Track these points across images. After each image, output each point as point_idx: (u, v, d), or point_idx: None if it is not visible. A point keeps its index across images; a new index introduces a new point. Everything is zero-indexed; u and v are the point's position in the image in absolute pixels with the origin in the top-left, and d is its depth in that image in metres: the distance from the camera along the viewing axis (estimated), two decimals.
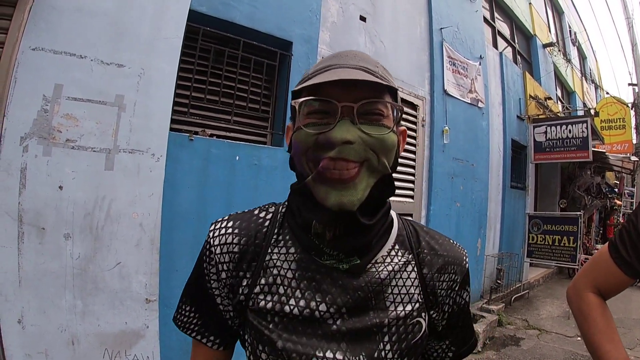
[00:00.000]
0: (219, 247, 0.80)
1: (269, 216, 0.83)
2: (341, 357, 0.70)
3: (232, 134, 3.56)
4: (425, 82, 5.74)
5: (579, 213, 7.88)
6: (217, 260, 0.80)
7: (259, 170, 3.48)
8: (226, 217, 0.85)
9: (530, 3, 10.71)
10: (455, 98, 6.19)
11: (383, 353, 0.72)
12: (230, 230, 0.81)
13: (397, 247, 0.81)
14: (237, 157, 3.35)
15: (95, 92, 2.59)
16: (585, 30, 19.64)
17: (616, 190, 15.19)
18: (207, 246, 0.83)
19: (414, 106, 5.43)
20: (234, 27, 3.48)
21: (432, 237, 0.86)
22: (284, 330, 0.72)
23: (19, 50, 2.36)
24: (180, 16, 3.03)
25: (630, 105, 14.79)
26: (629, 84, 17.01)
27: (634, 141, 14.59)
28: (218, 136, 3.45)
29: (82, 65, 2.56)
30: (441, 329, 0.85)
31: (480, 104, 6.81)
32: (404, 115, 4.79)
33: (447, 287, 0.83)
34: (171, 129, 2.95)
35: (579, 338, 5.60)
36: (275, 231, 0.80)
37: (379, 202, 0.76)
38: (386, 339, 0.73)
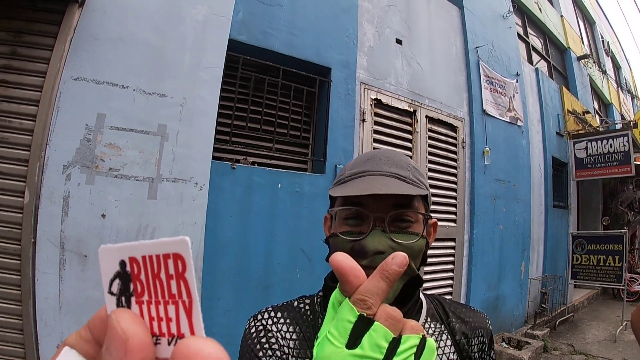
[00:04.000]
0: (278, 333, 0.81)
1: (307, 307, 0.87)
2: None
3: (273, 162, 3.55)
4: (463, 103, 5.63)
5: (623, 231, 7.51)
6: (281, 344, 0.79)
7: (300, 198, 3.46)
8: (270, 308, 0.86)
9: (562, 15, 10.52)
10: (495, 117, 6.04)
11: None
12: (282, 320, 0.83)
13: (429, 319, 0.87)
14: (279, 185, 3.33)
15: (137, 122, 2.63)
16: (617, 39, 19.17)
17: None
18: (262, 333, 0.81)
19: (453, 128, 5.32)
20: (273, 55, 3.51)
21: (456, 307, 0.94)
22: None
23: (60, 79, 2.41)
24: (220, 45, 3.08)
25: None
26: None
27: None
28: (259, 164, 3.45)
29: (124, 95, 2.60)
30: None
31: (519, 122, 6.62)
32: (444, 138, 4.70)
33: (479, 349, 0.89)
34: (213, 158, 2.96)
35: None
36: (319, 320, 0.83)
37: (408, 295, 0.81)
38: None
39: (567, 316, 7.46)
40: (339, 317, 0.41)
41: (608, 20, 18.01)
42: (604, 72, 13.42)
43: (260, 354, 0.77)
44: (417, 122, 4.73)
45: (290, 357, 0.77)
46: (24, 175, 2.31)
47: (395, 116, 4.56)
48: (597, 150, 8.04)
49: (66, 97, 2.41)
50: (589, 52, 11.95)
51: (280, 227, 3.29)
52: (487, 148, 5.64)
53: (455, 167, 5.23)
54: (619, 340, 6.33)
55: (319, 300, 0.87)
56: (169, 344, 0.24)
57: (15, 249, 2.27)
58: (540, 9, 9.10)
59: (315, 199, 3.55)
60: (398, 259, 0.43)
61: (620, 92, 16.48)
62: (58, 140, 2.35)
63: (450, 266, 5.05)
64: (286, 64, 3.59)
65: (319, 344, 0.42)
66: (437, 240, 4.13)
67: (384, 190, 0.72)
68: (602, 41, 15.16)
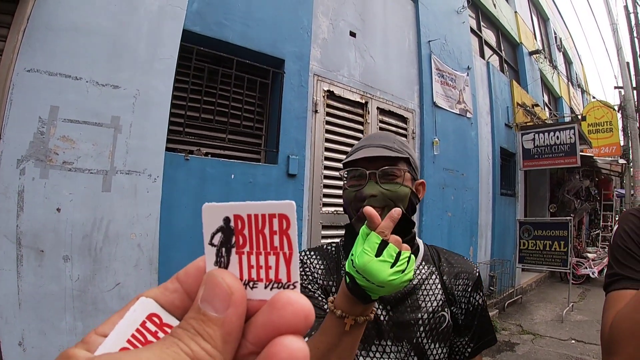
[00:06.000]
0: (311, 265, 1.12)
1: (333, 249, 1.18)
2: (390, 343, 1.01)
3: (226, 152, 3.60)
4: (414, 95, 5.84)
5: (568, 218, 7.96)
6: (312, 271, 1.10)
7: (254, 188, 3.53)
8: (306, 249, 1.18)
9: (515, 12, 10.90)
10: (444, 109, 6.29)
11: (419, 339, 1.02)
12: (314, 256, 1.15)
13: (424, 263, 1.14)
14: (232, 176, 3.39)
15: (91, 114, 2.61)
16: (570, 35, 19.94)
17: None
18: (300, 265, 1.09)
19: (404, 119, 5.52)
20: (227, 46, 3.54)
21: (449, 255, 1.21)
22: None
23: (13, 71, 2.38)
24: (175, 36, 3.08)
25: (616, 108, 15.03)
26: (615, 87, 17.27)
27: (622, 143, 14.83)
28: (213, 155, 3.49)
29: (78, 87, 2.58)
30: (461, 324, 1.10)
31: (468, 114, 6.92)
32: (395, 129, 4.90)
33: (462, 289, 1.12)
34: (167, 149, 2.99)
35: (573, 341, 5.72)
36: (341, 257, 1.14)
37: (402, 231, 1.01)
38: (421, 329, 1.03)
39: (515, 298, 7.85)
40: (370, 240, 0.77)
41: (562, 17, 18.70)
42: (555, 67, 14.03)
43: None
44: (369, 113, 4.89)
45: (318, 279, 1.08)
46: None
47: (347, 107, 4.70)
48: (544, 141, 8.43)
49: (19, 89, 2.38)
50: (541, 48, 12.47)
51: None
52: (437, 139, 5.89)
53: None
54: (565, 320, 6.71)
55: (342, 244, 1.17)
56: (266, 287, 0.28)
57: None
58: (494, 5, 9.40)
59: (269, 189, 3.63)
60: (396, 210, 0.80)
61: (570, 86, 17.24)
62: (11, 134, 2.33)
63: None
64: (240, 55, 3.62)
65: (359, 255, 0.76)
66: None
67: (372, 153, 1.03)
68: (555, 37, 15.77)
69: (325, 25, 4.55)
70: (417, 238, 1.15)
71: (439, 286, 1.11)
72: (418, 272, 1.11)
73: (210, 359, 0.24)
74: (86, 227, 2.55)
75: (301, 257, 1.13)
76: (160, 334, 0.27)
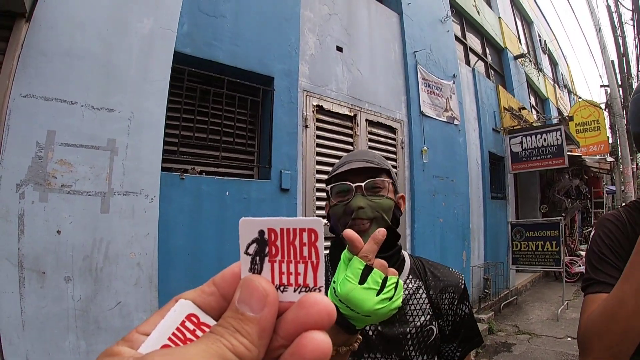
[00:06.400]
0: None
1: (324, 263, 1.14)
2: (380, 356, 1.04)
3: (220, 170, 3.67)
4: (402, 106, 5.96)
5: (559, 218, 8.11)
6: None
7: (248, 204, 3.59)
8: None
9: (499, 17, 11.08)
10: (432, 118, 6.42)
11: (408, 352, 1.05)
12: None
13: (410, 276, 1.16)
14: (227, 193, 3.46)
15: (87, 137, 2.67)
16: (555, 37, 20.25)
17: None
18: None
19: (392, 129, 5.63)
20: (217, 66, 3.63)
21: (435, 267, 1.22)
22: None
23: (10, 97, 2.43)
24: (166, 58, 3.15)
25: (603, 106, 15.30)
26: (601, 86, 17.56)
27: (610, 141, 15.10)
28: (207, 173, 3.56)
29: (73, 111, 2.64)
30: (449, 334, 1.15)
31: (456, 121, 7.05)
32: (384, 139, 5.00)
33: (449, 303, 1.15)
34: (162, 169, 3.05)
35: (569, 339, 5.81)
36: (329, 273, 1.16)
37: (388, 245, 1.10)
38: (410, 342, 1.06)
39: (510, 299, 7.95)
40: (353, 266, 0.73)
41: (546, 20, 18.99)
42: (540, 70, 14.26)
43: None
44: (358, 125, 4.99)
45: None
46: None
47: (336, 121, 4.80)
48: (531, 144, 8.60)
49: (16, 114, 2.42)
50: (525, 51, 12.67)
51: (230, 234, 3.37)
52: (425, 147, 6.01)
53: (395, 167, 5.51)
54: (561, 319, 6.82)
55: (328, 259, 1.20)
56: (295, 291, 0.31)
57: None
58: (478, 12, 9.57)
59: (263, 204, 3.69)
60: (380, 232, 0.76)
61: (557, 87, 17.50)
62: (10, 159, 2.38)
63: None
64: (230, 75, 3.71)
65: (341, 283, 0.73)
66: None
67: (356, 166, 1.08)
68: (540, 40, 16.03)
69: (312, 42, 4.66)
70: (402, 251, 1.19)
71: (426, 300, 1.13)
72: (405, 286, 1.12)
73: (247, 352, 0.26)
74: (86, 248, 2.60)
75: None
76: (199, 333, 0.29)
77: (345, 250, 0.78)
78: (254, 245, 0.32)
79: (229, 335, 0.27)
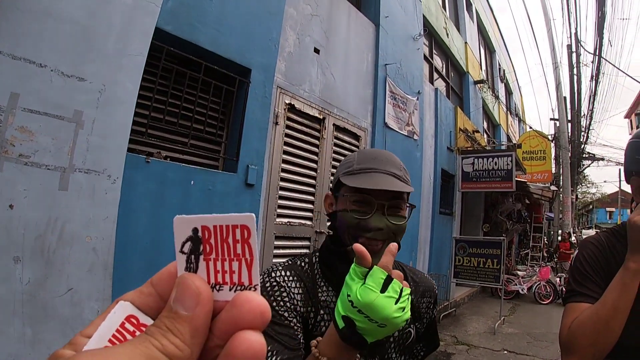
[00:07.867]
0: (289, 290, 1.03)
1: (307, 266, 1.12)
2: (364, 359, 1.03)
3: (185, 157, 3.54)
4: (368, 115, 6.06)
5: (502, 238, 8.56)
6: (291, 297, 1.02)
7: (212, 196, 3.50)
8: (280, 267, 1.09)
9: (465, 42, 11.54)
10: (394, 130, 6.58)
11: (389, 354, 1.08)
12: (290, 277, 1.06)
13: None
14: (192, 182, 3.34)
15: (53, 105, 2.42)
16: (513, 68, 21.35)
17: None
18: (276, 288, 1.03)
19: (357, 137, 5.72)
20: (197, 49, 3.49)
21: (414, 273, 1.26)
22: None
23: None
24: (146, 33, 2.95)
25: (551, 138, 16.35)
26: (551, 119, 18.78)
27: (554, 171, 16.18)
28: (172, 158, 3.43)
29: (42, 75, 2.39)
30: (420, 336, 1.21)
31: (415, 136, 7.28)
32: (348, 145, 5.08)
33: (426, 306, 1.21)
34: (127, 149, 2.84)
35: (505, 352, 6.12)
36: (317, 277, 1.09)
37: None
38: (392, 345, 1.09)
39: (449, 311, 8.29)
40: (375, 276, 0.76)
41: (507, 51, 20.00)
42: (497, 98, 15.00)
43: (274, 304, 0.99)
44: (325, 129, 5.03)
45: (297, 306, 1.01)
46: None
47: (306, 122, 4.80)
48: (482, 166, 9.04)
49: None
50: (485, 78, 13.30)
51: None
52: None
53: None
54: (497, 332, 7.18)
55: (316, 259, 1.14)
56: (230, 289, 0.31)
57: None
58: (447, 34, 9.93)
59: (227, 198, 3.60)
60: (394, 245, 0.83)
61: (509, 115, 18.49)
62: None
63: None
64: (209, 60, 3.59)
65: (362, 292, 0.75)
66: None
67: (387, 187, 1.00)
68: (499, 69, 16.87)
69: (292, 39, 4.63)
70: None
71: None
72: None
73: (178, 352, 0.26)
74: (40, 226, 2.37)
75: (277, 279, 1.04)
76: (138, 333, 0.29)
77: (354, 265, 0.80)
78: (189, 243, 0.32)
79: (160, 335, 0.27)
